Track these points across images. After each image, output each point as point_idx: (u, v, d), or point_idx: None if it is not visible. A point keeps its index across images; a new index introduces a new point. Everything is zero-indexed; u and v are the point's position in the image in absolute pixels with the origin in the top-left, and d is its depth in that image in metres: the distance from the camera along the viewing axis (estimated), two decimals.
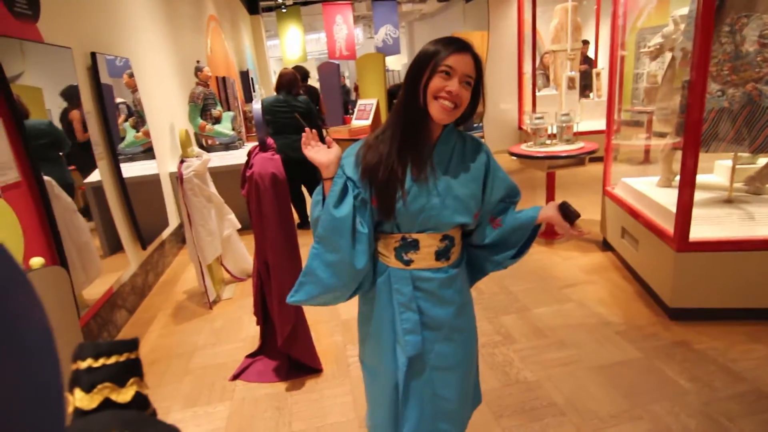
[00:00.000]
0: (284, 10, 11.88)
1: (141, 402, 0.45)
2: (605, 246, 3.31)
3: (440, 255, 1.14)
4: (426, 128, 1.10)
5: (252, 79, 9.54)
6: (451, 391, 1.19)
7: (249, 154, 2.29)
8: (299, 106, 3.93)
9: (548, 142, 3.54)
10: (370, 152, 1.10)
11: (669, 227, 2.34)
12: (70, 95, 2.61)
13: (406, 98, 1.08)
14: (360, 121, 5.65)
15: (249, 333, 2.61)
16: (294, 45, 12.02)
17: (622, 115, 4.17)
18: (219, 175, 3.64)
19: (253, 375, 2.22)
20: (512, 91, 7.17)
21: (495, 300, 2.74)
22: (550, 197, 3.61)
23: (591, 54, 7.52)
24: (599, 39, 7.38)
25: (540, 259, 3.24)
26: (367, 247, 1.10)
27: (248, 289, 3.16)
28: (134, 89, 3.53)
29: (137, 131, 3.54)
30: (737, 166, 2.64)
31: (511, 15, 6.97)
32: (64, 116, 2.54)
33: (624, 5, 3.16)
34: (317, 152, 1.13)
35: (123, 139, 3.28)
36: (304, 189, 4.38)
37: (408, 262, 1.14)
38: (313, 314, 2.67)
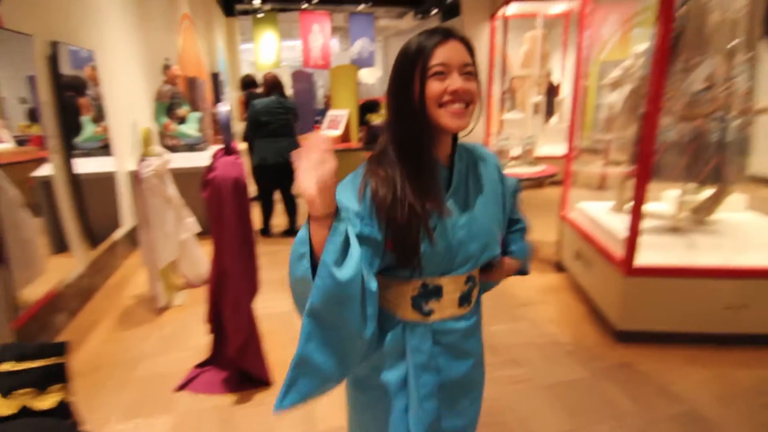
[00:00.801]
0: (261, 15, 11.81)
1: (63, 410, 0.43)
2: (559, 267, 3.41)
3: (463, 300, 0.94)
4: (436, 145, 0.90)
5: (222, 81, 9.39)
6: None
7: (213, 157, 2.25)
8: (293, 107, 4.01)
9: (511, 163, 3.65)
10: (380, 184, 0.85)
11: (619, 252, 2.45)
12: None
13: (401, 115, 0.87)
14: (330, 131, 5.65)
15: (199, 342, 2.53)
16: (268, 50, 11.94)
17: (583, 141, 4.36)
18: (181, 176, 3.54)
19: (200, 386, 2.14)
20: (480, 112, 7.36)
21: None
22: None
23: (556, 80, 7.82)
24: (565, 68, 7.71)
25: None
26: (376, 307, 0.83)
27: (201, 297, 3.06)
28: (96, 83, 3.40)
29: (96, 125, 3.40)
30: (683, 198, 2.79)
31: (483, 38, 7.20)
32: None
33: (589, 38, 3.32)
34: (310, 169, 0.71)
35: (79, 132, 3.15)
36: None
37: (428, 313, 0.92)
38: (266, 324, 2.61)
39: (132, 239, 3.92)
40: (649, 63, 2.36)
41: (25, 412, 0.39)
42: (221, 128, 2.18)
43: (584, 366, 2.26)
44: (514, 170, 3.49)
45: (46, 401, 0.40)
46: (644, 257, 2.37)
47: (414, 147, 0.86)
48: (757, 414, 1.91)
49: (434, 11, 13.45)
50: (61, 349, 0.43)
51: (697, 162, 2.56)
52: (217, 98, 8.49)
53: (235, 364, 2.11)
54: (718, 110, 2.45)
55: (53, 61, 2.75)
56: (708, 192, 2.94)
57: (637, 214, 2.30)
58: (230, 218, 2.03)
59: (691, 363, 2.25)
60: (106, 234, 3.38)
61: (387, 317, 0.94)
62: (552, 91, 7.37)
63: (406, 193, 0.84)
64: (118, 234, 3.62)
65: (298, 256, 0.80)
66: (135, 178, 2.81)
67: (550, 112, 7.18)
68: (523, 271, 1.14)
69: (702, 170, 2.54)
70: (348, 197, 0.85)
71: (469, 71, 0.85)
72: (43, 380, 0.40)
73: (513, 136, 3.81)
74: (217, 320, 2.25)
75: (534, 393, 2.07)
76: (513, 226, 1.12)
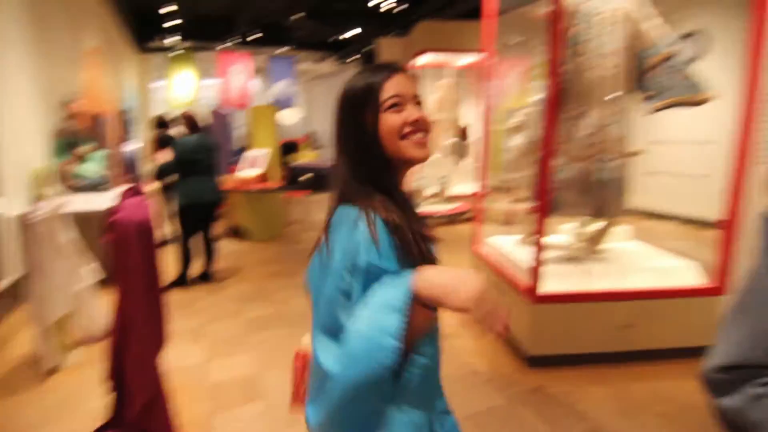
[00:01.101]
0: (176, 53, 11.52)
1: None
2: None
3: None
4: (401, 178, 0.88)
5: (131, 120, 8.92)
6: None
7: (116, 199, 2.11)
8: (215, 146, 3.92)
9: (427, 201, 3.82)
10: (398, 228, 0.78)
11: (526, 282, 2.63)
12: None
13: (359, 155, 0.84)
14: (249, 171, 5.55)
15: (95, 405, 2.26)
16: (184, 89, 11.61)
17: (493, 181, 4.70)
18: (82, 219, 3.26)
19: None
20: None
21: None
22: None
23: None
24: (474, 114, 8.35)
25: None
26: None
27: (99, 354, 2.78)
28: None
29: None
30: (578, 230, 3.10)
31: None
32: None
33: (496, 87, 3.67)
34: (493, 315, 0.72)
35: None
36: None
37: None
38: (177, 379, 2.42)
39: (15, 293, 3.48)
40: (542, 112, 2.66)
41: None
42: (127, 168, 2.07)
43: (501, 393, 2.35)
44: (429, 208, 3.66)
45: None
46: (548, 285, 2.57)
47: (384, 182, 0.84)
48: (653, 422, 2.11)
49: (354, 58, 14.03)
50: None
51: (585, 198, 2.88)
52: (126, 136, 8.02)
53: (139, 426, 1.92)
54: (598, 153, 2.79)
55: None
56: (598, 224, 3.29)
57: (539, 246, 2.51)
58: (135, 263, 1.90)
59: (593, 382, 2.44)
60: None
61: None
62: (464, 134, 7.92)
63: (409, 228, 0.80)
64: (1, 287, 3.20)
65: (390, 333, 0.68)
66: (23, 223, 2.54)
67: (462, 153, 7.68)
68: None
69: (590, 205, 2.86)
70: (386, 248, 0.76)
71: (419, 101, 0.85)
72: None
73: (429, 176, 4.01)
74: (118, 378, 2.05)
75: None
76: None
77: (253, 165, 5.60)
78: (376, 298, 0.72)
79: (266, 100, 12.75)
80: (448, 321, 3.37)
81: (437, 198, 3.79)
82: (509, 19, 4.32)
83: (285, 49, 12.83)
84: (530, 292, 2.54)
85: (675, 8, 5.91)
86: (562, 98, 2.89)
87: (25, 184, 3.66)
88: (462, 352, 2.79)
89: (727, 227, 2.55)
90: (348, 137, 0.85)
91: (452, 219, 3.60)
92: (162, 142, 5.16)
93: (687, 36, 5.88)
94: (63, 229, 2.69)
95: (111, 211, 2.07)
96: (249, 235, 5.52)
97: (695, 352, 2.61)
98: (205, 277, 4.09)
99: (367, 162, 0.84)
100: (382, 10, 8.94)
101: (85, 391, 2.40)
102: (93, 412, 2.21)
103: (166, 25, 10.20)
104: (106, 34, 7.66)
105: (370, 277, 0.74)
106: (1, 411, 2.22)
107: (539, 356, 2.59)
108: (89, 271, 2.84)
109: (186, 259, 3.96)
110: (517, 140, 4.18)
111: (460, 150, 7.48)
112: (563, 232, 3.65)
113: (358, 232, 0.76)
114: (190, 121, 3.84)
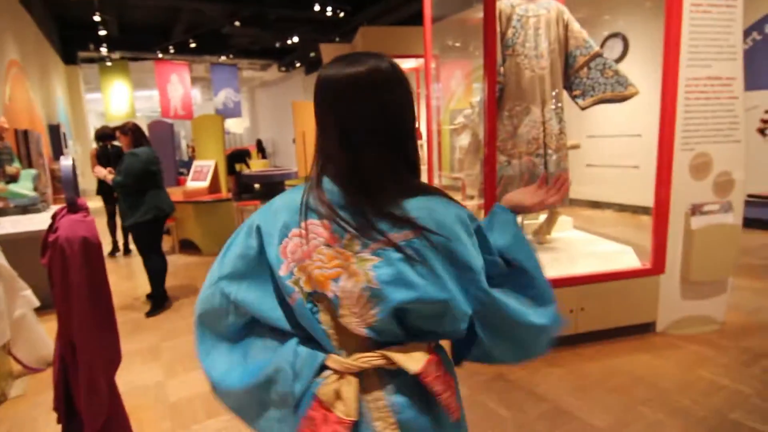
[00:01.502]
0: (109, 64, 10.96)
1: None
2: None
3: None
4: None
5: (64, 134, 8.38)
6: None
7: (53, 217, 1.99)
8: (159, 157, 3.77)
9: None
10: None
11: None
12: None
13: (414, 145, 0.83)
14: (196, 183, 5.37)
15: None
16: (120, 100, 11.06)
17: (443, 180, 4.82)
18: (13, 243, 3.04)
19: None
20: None
21: None
22: None
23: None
24: (420, 116, 8.53)
25: None
26: None
27: (45, 382, 2.60)
28: None
29: None
30: (525, 222, 3.25)
31: None
32: None
33: (439, 89, 3.77)
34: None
35: None
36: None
37: None
38: (134, 400, 2.32)
39: None
40: (482, 111, 2.78)
41: None
42: (63, 184, 1.96)
43: (463, 383, 2.41)
44: None
45: None
46: None
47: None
48: (607, 398, 2.24)
49: (298, 64, 13.91)
50: None
51: None
52: (58, 152, 7.53)
53: None
54: (539, 148, 2.95)
55: None
56: (543, 216, 3.47)
57: None
58: (79, 284, 1.80)
59: (550, 365, 2.56)
60: None
61: None
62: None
63: None
64: None
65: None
66: None
67: None
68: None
69: None
70: None
71: None
72: None
73: None
74: (68, 405, 1.93)
75: None
76: None
77: (199, 177, 5.43)
78: (525, 243, 0.88)
79: (210, 109, 12.40)
80: None
81: None
82: (450, 23, 4.47)
83: (225, 58, 12.53)
84: None
85: (600, 12, 6.35)
86: (502, 97, 3.03)
87: None
88: None
89: (658, 212, 2.77)
90: (404, 123, 0.80)
91: None
92: (109, 156, 4.89)
93: (612, 36, 6.32)
94: None
95: (48, 231, 1.96)
96: (200, 248, 5.34)
97: (640, 329, 2.83)
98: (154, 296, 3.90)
99: (414, 153, 0.82)
100: (327, 15, 8.95)
101: (34, 422, 2.24)
102: None
103: (98, 34, 9.70)
104: (30, 45, 7.17)
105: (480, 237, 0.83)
106: None
107: None
108: (26, 297, 2.65)
109: (163, 273, 3.76)
110: (463, 140, 4.31)
111: None
112: None
113: (461, 211, 0.80)
114: (137, 132, 3.64)
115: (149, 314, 3.60)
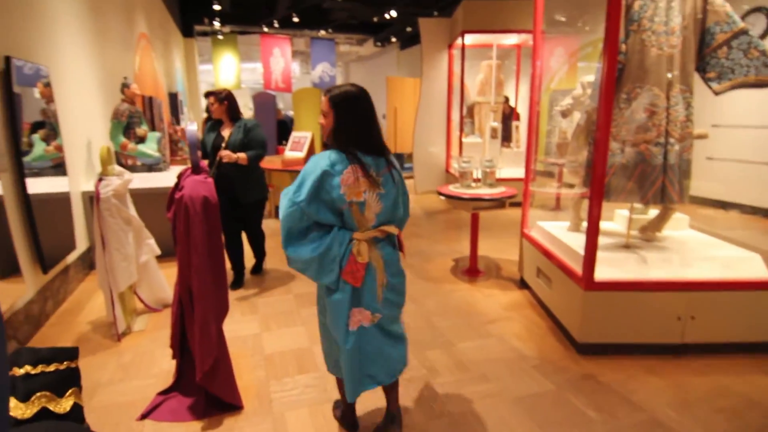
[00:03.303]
0: (221, 37, 11.75)
1: (78, 414, 0.43)
2: (522, 284, 3.53)
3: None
4: None
5: (181, 102, 9.21)
6: None
7: (179, 176, 2.21)
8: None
9: (473, 185, 3.78)
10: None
11: (578, 268, 2.58)
12: None
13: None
14: (294, 153, 5.64)
15: (162, 368, 2.42)
16: (228, 72, 11.86)
17: (537, 165, 4.57)
18: (140, 197, 3.43)
19: (165, 414, 2.04)
20: (441, 136, 7.60)
21: (421, 334, 2.80)
22: (474, 236, 3.82)
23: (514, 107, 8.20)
24: (518, 96, 8.13)
25: (463, 296, 3.38)
26: None
27: (162, 321, 2.94)
28: (49, 100, 3.27)
29: (47, 144, 3.25)
30: (633, 216, 2.99)
31: (441, 66, 7.49)
32: None
33: (540, 68, 3.55)
34: None
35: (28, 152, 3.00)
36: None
37: None
38: (234, 348, 2.54)
39: (87, 263, 3.72)
40: (597, 94, 2.56)
41: (43, 415, 0.38)
42: (190, 147, 2.15)
43: (550, 379, 2.33)
44: (476, 191, 3.62)
45: (64, 405, 0.40)
46: (601, 272, 2.50)
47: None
48: (712, 418, 2.03)
49: (393, 40, 13.87)
50: (73, 353, 0.42)
51: (643, 184, 2.76)
52: (176, 118, 8.30)
53: (203, 389, 2.03)
54: (659, 136, 2.67)
55: (6, 76, 2.64)
56: (654, 212, 3.16)
57: (593, 233, 2.44)
58: (199, 237, 1.99)
59: (649, 372, 2.37)
60: (59, 257, 3.19)
61: None
62: (510, 116, 7.71)
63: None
64: (72, 257, 3.43)
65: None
66: (93, 198, 2.69)
67: (507, 137, 7.50)
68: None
69: (648, 192, 2.74)
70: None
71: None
72: (59, 384, 0.40)
73: (474, 159, 3.95)
74: (182, 344, 2.17)
75: (503, 407, 2.12)
76: None
77: (297, 147, 5.69)
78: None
79: (307, 83, 12.86)
80: (494, 306, 3.35)
81: (484, 181, 3.74)
82: None
83: (325, 32, 12.82)
84: (583, 279, 2.49)
85: None
86: (621, 78, 2.77)
87: (87, 164, 3.87)
88: (510, 336, 2.78)
89: None
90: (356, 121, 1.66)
91: (500, 203, 3.55)
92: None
93: (753, 11, 5.47)
94: (130, 203, 2.84)
95: (173, 189, 2.17)
96: None
97: (760, 347, 2.51)
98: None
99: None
100: None
101: (153, 354, 2.56)
102: (161, 374, 2.36)
103: (212, 9, 10.41)
104: (156, 20, 7.89)
105: None
106: (82, 369, 2.40)
107: (590, 344, 2.55)
108: (150, 245, 2.99)
109: (264, 240, 3.85)
110: (566, 124, 4.03)
111: (505, 133, 7.32)
112: (616, 219, 3.54)
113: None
114: (233, 101, 3.46)
115: (253, 272, 3.88)
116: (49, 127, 3.26)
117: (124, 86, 4.33)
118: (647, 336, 2.51)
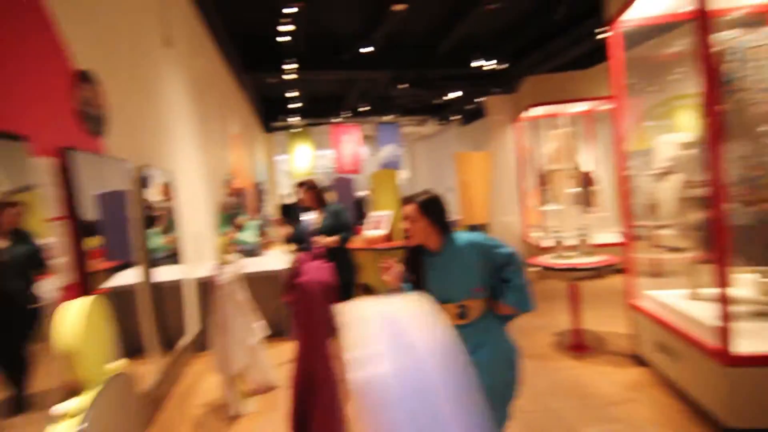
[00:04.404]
0: (295, 130, 12.93)
1: None
2: (640, 361, 3.23)
3: (460, 316, 1.79)
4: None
5: (261, 191, 10.01)
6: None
7: (296, 262, 2.35)
8: None
9: (566, 254, 3.66)
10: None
11: (710, 341, 2.34)
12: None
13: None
14: (375, 231, 5.83)
15: None
16: (302, 160, 12.87)
17: (638, 229, 4.36)
18: (247, 280, 3.65)
19: None
20: (513, 204, 7.57)
21: (536, 419, 2.60)
22: (576, 309, 3.61)
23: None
24: (593, 160, 8.00)
25: (574, 375, 3.14)
26: None
27: (272, 402, 2.98)
28: (168, 197, 3.70)
29: (163, 236, 3.62)
30: (763, 281, 2.72)
31: (509, 139, 7.66)
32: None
33: (624, 132, 3.52)
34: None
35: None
36: None
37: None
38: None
39: (195, 346, 3.93)
40: (696, 154, 2.48)
41: None
42: (307, 236, 2.31)
43: None
44: (572, 261, 3.50)
45: None
46: (740, 345, 2.25)
47: None
48: None
49: (453, 117, 14.48)
50: None
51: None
52: (260, 206, 8.98)
53: None
54: None
55: (142, 181, 3.05)
56: None
57: (725, 301, 2.24)
58: (320, 321, 2.07)
59: None
60: (174, 341, 3.41)
61: None
62: (586, 181, 7.57)
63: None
64: (183, 341, 3.65)
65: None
66: (210, 284, 2.91)
67: (586, 202, 7.31)
68: (520, 310, 1.85)
69: None
70: None
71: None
72: None
73: (562, 228, 3.87)
74: (302, 425, 2.17)
75: None
76: (506, 283, 1.81)
77: (378, 226, 5.88)
78: None
79: (375, 164, 13.55)
80: (612, 385, 3.10)
81: (578, 250, 3.62)
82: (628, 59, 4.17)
83: (390, 117, 13.69)
84: (721, 354, 2.24)
85: None
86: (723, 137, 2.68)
87: (196, 252, 4.24)
88: (640, 421, 2.51)
89: None
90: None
91: (599, 272, 3.39)
92: (290, 212, 5.61)
93: None
94: (241, 288, 3.03)
95: (292, 274, 2.31)
96: (376, 292, 5.70)
97: None
98: None
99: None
100: (484, 68, 9.23)
101: None
102: None
103: (287, 107, 11.57)
104: (245, 120, 8.88)
105: None
106: None
107: (739, 429, 2.23)
108: (260, 327, 3.13)
109: None
110: (667, 185, 3.87)
111: (585, 198, 7.14)
112: (738, 285, 3.23)
113: None
114: (319, 189, 3.70)
115: None
116: (167, 221, 3.65)
117: (229, 182, 4.81)
118: None
